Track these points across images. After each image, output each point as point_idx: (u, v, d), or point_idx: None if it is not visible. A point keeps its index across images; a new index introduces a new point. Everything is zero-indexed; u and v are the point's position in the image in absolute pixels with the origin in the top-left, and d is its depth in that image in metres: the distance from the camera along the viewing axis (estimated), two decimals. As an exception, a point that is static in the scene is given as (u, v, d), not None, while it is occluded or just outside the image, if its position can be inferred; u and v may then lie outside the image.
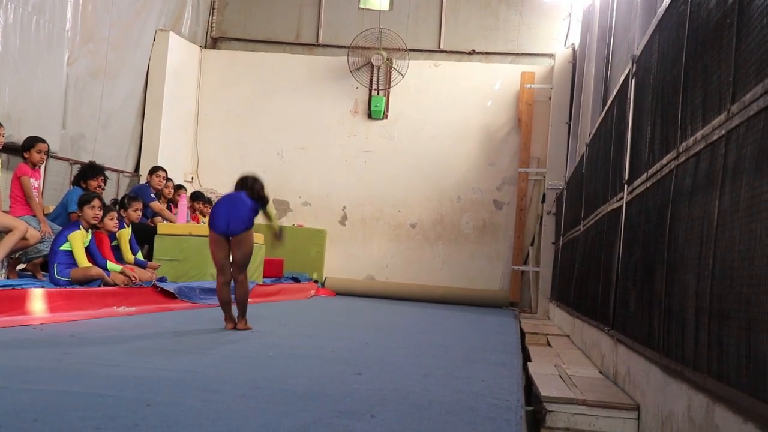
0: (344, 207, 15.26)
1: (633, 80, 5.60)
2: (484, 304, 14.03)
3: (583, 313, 7.67)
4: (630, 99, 5.64)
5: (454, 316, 10.66)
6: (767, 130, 2.50)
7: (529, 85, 14.68)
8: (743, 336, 2.55)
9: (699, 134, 3.35)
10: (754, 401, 2.41)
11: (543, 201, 14.08)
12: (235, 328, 6.49)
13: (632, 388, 4.63)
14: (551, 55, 14.65)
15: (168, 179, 10.85)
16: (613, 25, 8.78)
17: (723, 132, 2.98)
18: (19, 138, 8.99)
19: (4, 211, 7.79)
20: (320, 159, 15.27)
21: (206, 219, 12.01)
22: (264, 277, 11.91)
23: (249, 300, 10.06)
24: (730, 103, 2.93)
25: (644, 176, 4.74)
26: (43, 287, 6.54)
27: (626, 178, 5.54)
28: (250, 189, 6.62)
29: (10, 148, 8.67)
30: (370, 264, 15.06)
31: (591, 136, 8.71)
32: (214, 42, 15.98)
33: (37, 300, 6.16)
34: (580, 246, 8.79)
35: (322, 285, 14.42)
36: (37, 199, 8.06)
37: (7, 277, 7.57)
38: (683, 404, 3.30)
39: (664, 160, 4.08)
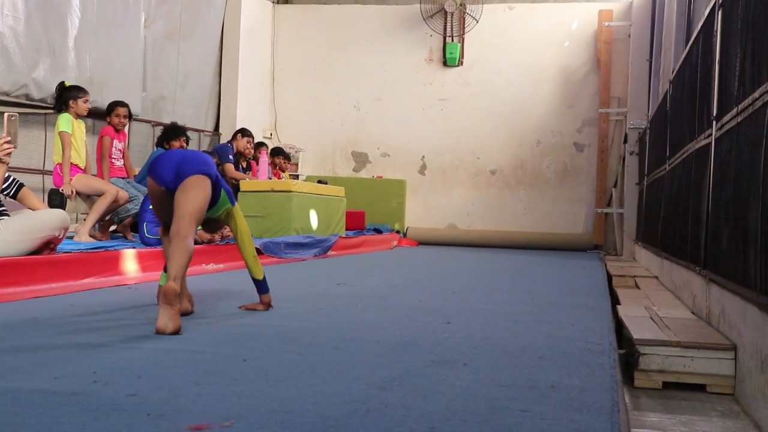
0: (423, 156, 15.22)
1: (720, 11, 5.40)
2: (568, 247, 13.92)
3: (672, 253, 7.54)
4: (717, 31, 5.46)
5: (539, 261, 10.59)
6: None
7: (607, 23, 14.32)
8: None
9: (794, 64, 3.22)
10: None
11: (625, 141, 13.82)
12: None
13: (727, 328, 4.54)
14: (629, -9, 14.26)
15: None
16: (695, -45, 8.48)
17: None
18: (102, 103, 9.19)
19: (93, 175, 7.99)
20: (397, 109, 15.23)
21: (287, 174, 12.19)
22: (347, 229, 12.01)
23: (332, 252, 10.22)
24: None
25: (734, 111, 4.59)
26: (134, 248, 6.69)
27: (714, 114, 5.38)
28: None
29: (94, 113, 8.85)
30: (451, 212, 15.04)
31: (674, 72, 8.48)
32: (285, -3, 15.98)
33: (130, 260, 6.31)
34: (666, 186, 8.62)
35: (404, 235, 14.47)
36: (119, 162, 8.24)
37: (100, 239, 7.77)
38: (784, 343, 3.22)
39: (757, 93, 3.94)
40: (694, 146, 6.35)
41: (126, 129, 8.54)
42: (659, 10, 12.13)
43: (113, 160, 8.18)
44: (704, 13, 6.22)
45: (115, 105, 8.27)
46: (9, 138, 5.08)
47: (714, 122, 5.38)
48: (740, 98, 4.45)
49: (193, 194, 4.02)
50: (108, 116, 8.22)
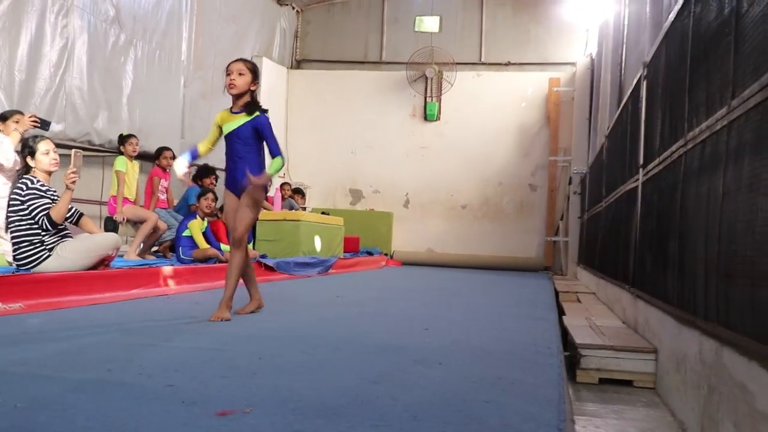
0: (407, 193, 15.25)
1: (644, 82, 5.48)
2: (523, 269, 13.93)
3: (607, 274, 7.57)
4: (642, 97, 5.53)
5: (499, 280, 10.59)
6: (764, 120, 2.43)
7: (555, 89, 14.46)
8: (746, 290, 2.49)
9: (704, 125, 3.27)
10: (756, 344, 2.36)
11: (570, 183, 13.89)
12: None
13: (650, 335, 4.56)
14: (573, 64, 14.40)
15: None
16: (625, 37, 8.59)
17: (725, 122, 2.90)
18: (148, 147, 9.21)
19: (140, 206, 8.00)
20: (386, 155, 15.28)
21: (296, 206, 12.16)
22: (344, 251, 12.00)
23: (333, 270, 10.19)
24: (731, 99, 2.85)
25: (657, 161, 4.64)
26: (172, 265, 6.68)
27: (641, 163, 5.43)
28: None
29: (142, 156, 8.86)
30: (429, 239, 15.05)
31: (609, 128, 8.55)
32: (298, 64, 16.07)
33: (168, 275, 6.29)
34: (602, 219, 8.66)
35: (391, 257, 14.46)
36: (163, 195, 8.30)
37: (144, 258, 7.76)
38: (695, 348, 3.24)
39: (674, 147, 3.99)
40: (625, 188, 6.40)
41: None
42: (597, 79, 12.27)
43: (159, 195, 8.23)
44: (632, 83, 6.29)
45: (162, 150, 8.40)
46: (75, 169, 5.15)
47: (641, 169, 5.43)
48: (661, 151, 4.50)
49: (243, 209, 4.36)
50: (156, 159, 8.33)
